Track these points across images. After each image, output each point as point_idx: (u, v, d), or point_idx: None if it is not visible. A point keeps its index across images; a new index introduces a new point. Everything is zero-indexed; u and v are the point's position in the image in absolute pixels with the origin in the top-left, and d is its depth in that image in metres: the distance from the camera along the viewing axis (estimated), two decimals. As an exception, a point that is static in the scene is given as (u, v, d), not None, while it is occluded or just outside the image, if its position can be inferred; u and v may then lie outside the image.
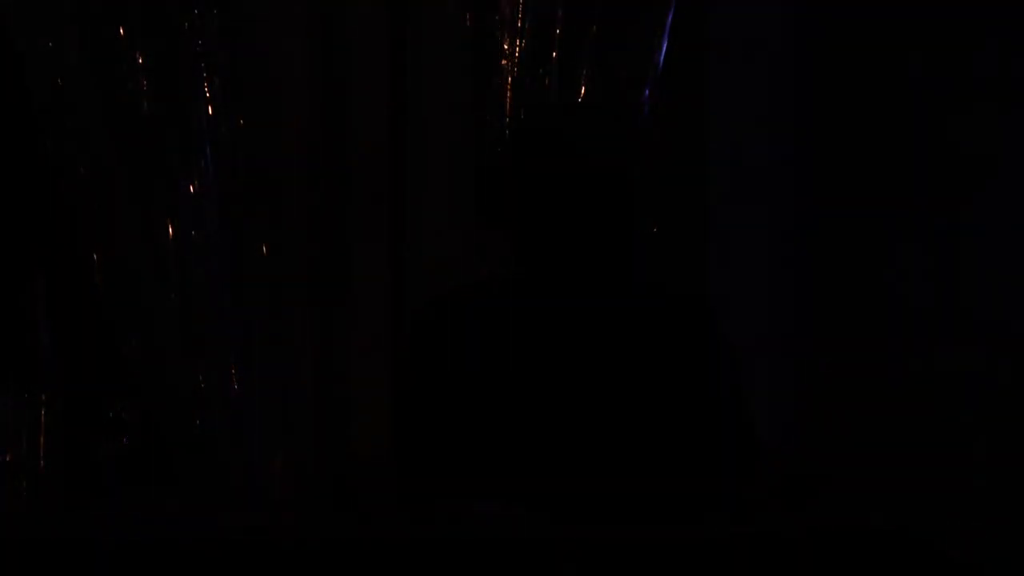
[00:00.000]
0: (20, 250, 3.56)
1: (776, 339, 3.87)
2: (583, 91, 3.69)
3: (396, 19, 3.70)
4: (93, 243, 3.57)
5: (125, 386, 3.47)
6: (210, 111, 3.59)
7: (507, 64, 3.66)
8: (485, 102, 3.66)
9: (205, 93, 3.59)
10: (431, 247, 3.67)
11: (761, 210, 3.90)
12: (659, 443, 2.84)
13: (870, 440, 3.78)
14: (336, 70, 3.68)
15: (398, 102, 3.69)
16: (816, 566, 2.28)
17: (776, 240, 3.89)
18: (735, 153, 3.88)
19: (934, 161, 3.79)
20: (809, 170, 3.89)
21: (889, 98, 3.83)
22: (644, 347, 2.83)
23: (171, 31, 3.56)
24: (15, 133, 3.62)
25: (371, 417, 3.65)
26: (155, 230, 3.59)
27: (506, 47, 3.67)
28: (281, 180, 3.63)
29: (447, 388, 2.86)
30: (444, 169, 3.68)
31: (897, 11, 3.80)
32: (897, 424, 3.78)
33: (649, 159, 2.91)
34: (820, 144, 3.89)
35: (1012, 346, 3.71)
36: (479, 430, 2.82)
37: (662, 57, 3.66)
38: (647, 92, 3.65)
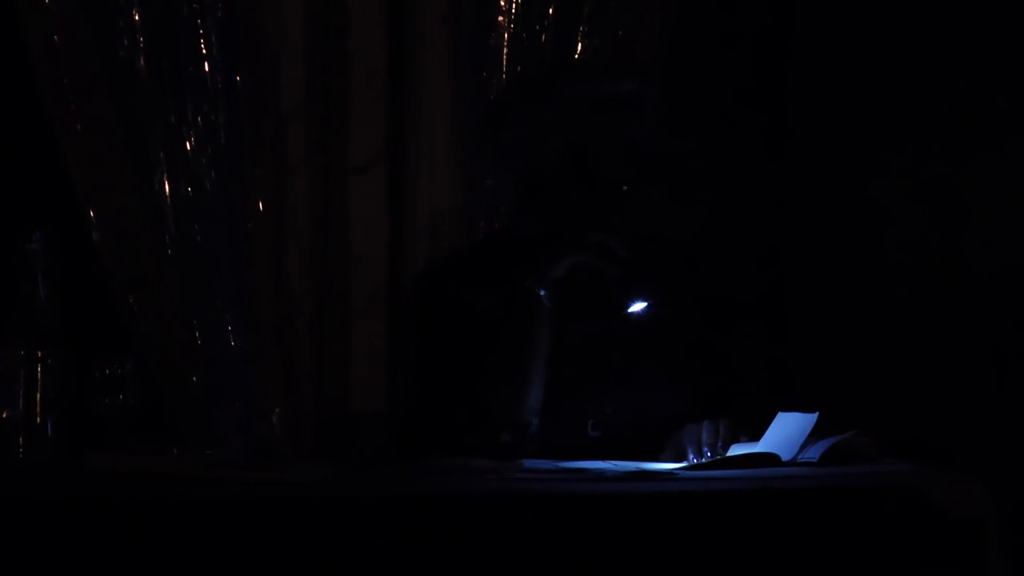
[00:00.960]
0: (18, 205, 3.57)
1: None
2: (579, 47, 3.69)
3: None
4: (92, 198, 3.59)
5: (124, 343, 3.48)
6: (206, 67, 3.60)
7: (503, 21, 3.67)
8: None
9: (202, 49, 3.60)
10: (429, 198, 3.68)
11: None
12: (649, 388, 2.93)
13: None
14: (334, 26, 3.68)
15: (395, 61, 3.70)
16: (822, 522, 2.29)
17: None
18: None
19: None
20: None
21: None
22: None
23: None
24: (14, 88, 3.62)
25: (368, 368, 3.66)
26: (153, 184, 3.60)
27: (503, 3, 3.67)
28: (278, 135, 3.63)
29: (445, 350, 2.90)
30: (443, 118, 3.68)
31: None
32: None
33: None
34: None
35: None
36: (474, 389, 2.86)
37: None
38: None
